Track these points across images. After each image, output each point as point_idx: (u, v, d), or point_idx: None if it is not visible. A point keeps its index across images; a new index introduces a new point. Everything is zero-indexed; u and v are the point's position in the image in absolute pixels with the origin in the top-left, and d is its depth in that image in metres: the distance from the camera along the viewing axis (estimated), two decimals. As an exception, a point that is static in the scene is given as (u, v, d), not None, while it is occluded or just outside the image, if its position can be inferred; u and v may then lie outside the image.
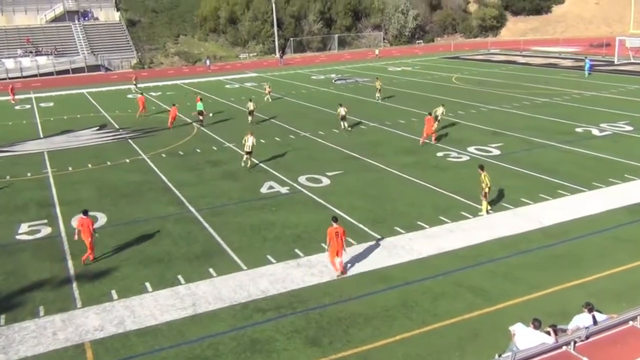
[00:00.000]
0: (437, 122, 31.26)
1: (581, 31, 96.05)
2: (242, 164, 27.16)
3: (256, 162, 27.54)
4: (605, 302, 13.60)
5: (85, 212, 17.76)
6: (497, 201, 21.17)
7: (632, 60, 60.48)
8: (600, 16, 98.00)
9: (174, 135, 34.63)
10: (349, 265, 16.67)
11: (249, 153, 26.84)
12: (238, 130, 35.29)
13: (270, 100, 45.20)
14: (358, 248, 17.78)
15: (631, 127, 31.58)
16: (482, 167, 20.05)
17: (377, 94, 43.87)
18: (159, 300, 15.26)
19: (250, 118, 37.03)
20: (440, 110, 32.47)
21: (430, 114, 30.76)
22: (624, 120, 33.05)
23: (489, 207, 20.17)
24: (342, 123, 33.88)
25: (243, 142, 27.12)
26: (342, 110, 33.69)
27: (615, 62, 59.57)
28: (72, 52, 77.37)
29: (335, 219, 16.32)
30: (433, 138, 30.07)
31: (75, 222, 19.46)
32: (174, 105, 38.12)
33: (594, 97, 41.30)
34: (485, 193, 19.73)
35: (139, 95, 43.34)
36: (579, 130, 31.41)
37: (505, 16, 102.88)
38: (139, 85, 56.85)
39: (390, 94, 46.33)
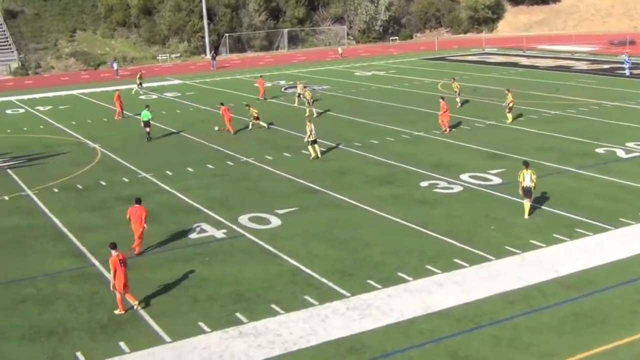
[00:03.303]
0: (509, 112, 39.18)
1: (597, 25, 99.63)
2: (312, 157, 32.68)
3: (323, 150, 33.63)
4: (642, 373, 13.87)
5: (138, 201, 22.04)
6: (500, 244, 21.52)
7: (664, 62, 62.90)
8: (621, 7, 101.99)
9: (69, 163, 34.17)
10: (308, 332, 16.58)
11: (314, 142, 32.62)
12: (157, 154, 35.11)
13: (309, 102, 44.39)
14: (320, 309, 17.73)
15: (666, 146, 32.75)
16: (526, 164, 23.93)
17: (458, 99, 45.33)
18: (51, 388, 14.87)
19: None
20: (509, 99, 39.34)
21: (442, 97, 38.60)
22: (656, 138, 34.29)
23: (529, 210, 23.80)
24: (251, 123, 40.70)
25: (308, 131, 32.59)
26: (254, 112, 40.52)
27: (643, 65, 61.85)
28: None
29: (114, 245, 18.00)
30: (446, 126, 37.25)
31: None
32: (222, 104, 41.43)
33: (618, 108, 42.72)
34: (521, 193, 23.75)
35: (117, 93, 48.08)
36: (600, 151, 32.37)
37: (503, 6, 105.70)
38: (143, 85, 59.54)
39: (357, 107, 46.86)
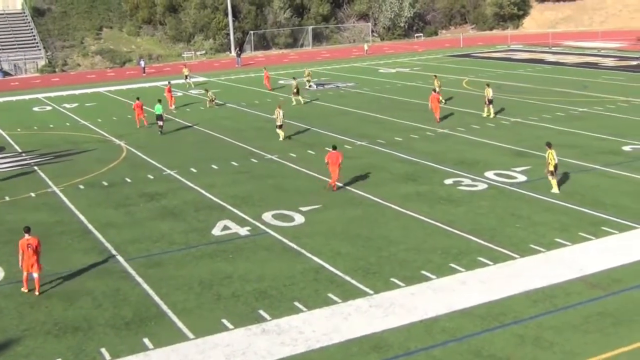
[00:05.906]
0: (490, 105, 40.34)
1: (625, 22, 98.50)
2: (281, 139, 36.51)
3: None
4: (668, 374, 13.71)
5: (334, 147, 27.42)
6: (524, 242, 21.37)
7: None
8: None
9: (95, 160, 34.45)
10: (331, 330, 16.58)
11: (280, 127, 36.37)
12: (182, 152, 35.29)
13: (311, 86, 55.26)
14: (343, 307, 17.70)
15: (694, 144, 32.33)
16: (549, 145, 25.92)
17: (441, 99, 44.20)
18: (76, 383, 14.98)
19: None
20: (490, 93, 40.23)
21: (435, 90, 41.55)
22: (684, 136, 33.85)
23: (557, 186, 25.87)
24: (208, 103, 48.81)
25: (275, 116, 36.70)
26: (211, 94, 49.34)
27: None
28: (-42, 51, 76.78)
29: (28, 229, 19.37)
30: (437, 116, 39.38)
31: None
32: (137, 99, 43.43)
33: (646, 105, 42.25)
34: (551, 171, 25.64)
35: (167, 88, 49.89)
36: (627, 149, 32.01)
37: (528, 2, 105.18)
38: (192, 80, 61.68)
39: (382, 104, 46.76)
